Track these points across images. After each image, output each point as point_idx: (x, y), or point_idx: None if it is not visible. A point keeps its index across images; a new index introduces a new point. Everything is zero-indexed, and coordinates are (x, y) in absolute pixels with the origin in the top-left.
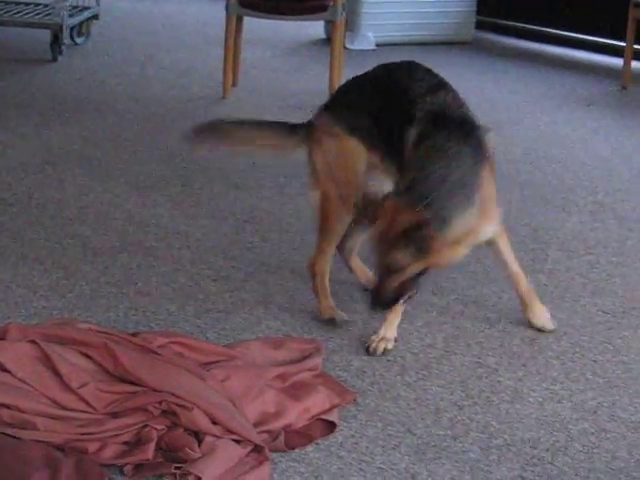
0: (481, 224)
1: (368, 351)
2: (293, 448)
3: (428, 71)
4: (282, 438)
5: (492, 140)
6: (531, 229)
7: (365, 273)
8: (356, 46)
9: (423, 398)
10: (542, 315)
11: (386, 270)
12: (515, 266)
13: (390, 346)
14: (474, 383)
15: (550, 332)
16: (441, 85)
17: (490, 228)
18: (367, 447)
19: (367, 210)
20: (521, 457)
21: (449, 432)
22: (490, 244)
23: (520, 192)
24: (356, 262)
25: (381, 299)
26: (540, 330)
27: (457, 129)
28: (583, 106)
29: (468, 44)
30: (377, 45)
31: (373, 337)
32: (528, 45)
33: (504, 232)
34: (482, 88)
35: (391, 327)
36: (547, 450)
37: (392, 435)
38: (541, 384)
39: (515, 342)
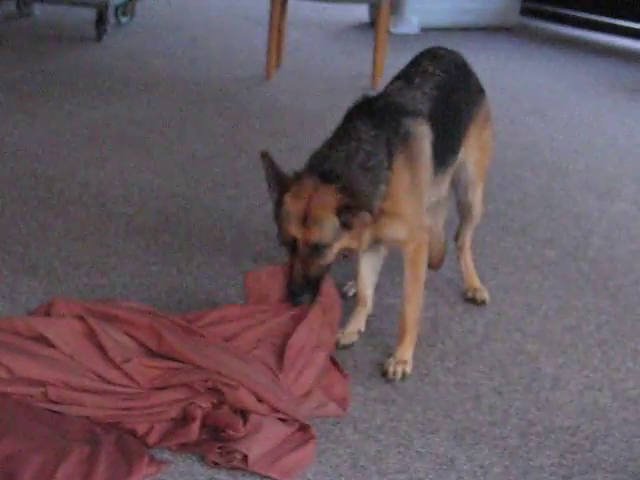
0: (386, 219)
1: (386, 376)
2: None
3: (430, 58)
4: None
5: (419, 129)
6: (573, 216)
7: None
8: (400, 30)
9: (462, 383)
10: (403, 355)
11: (315, 247)
12: (409, 293)
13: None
14: (514, 369)
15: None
16: (402, 75)
17: (399, 228)
18: (406, 431)
19: None
20: (560, 444)
21: (488, 418)
22: (400, 251)
23: (562, 179)
24: (467, 261)
25: (304, 283)
26: (385, 374)
27: (375, 115)
28: (627, 93)
29: (512, 30)
30: (421, 29)
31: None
32: (572, 32)
33: (420, 249)
34: (525, 74)
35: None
36: (586, 438)
37: (431, 419)
38: (581, 372)
39: (556, 329)
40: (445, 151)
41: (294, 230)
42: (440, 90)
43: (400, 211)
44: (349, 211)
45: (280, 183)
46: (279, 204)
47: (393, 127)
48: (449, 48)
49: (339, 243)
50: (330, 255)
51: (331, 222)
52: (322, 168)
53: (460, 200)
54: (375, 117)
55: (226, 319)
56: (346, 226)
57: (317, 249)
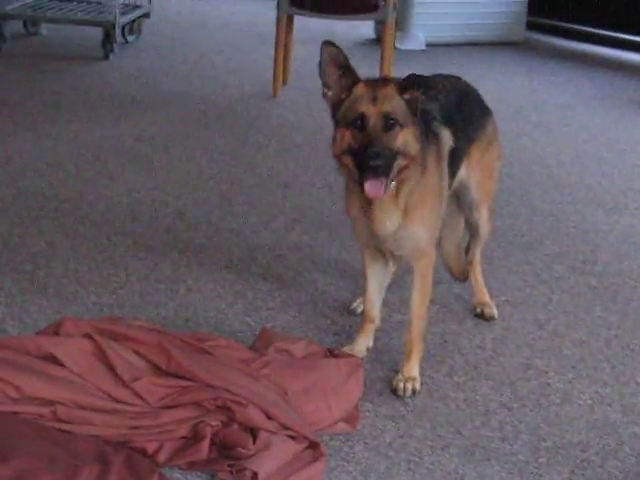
0: (409, 217)
1: (395, 393)
2: None
3: (437, 77)
4: None
5: (444, 132)
6: (581, 231)
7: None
8: (406, 46)
9: (472, 399)
10: (411, 372)
11: (386, 116)
12: (417, 308)
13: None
14: (523, 385)
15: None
16: None
17: (418, 232)
18: (416, 447)
19: None
20: (571, 460)
21: (498, 434)
22: (411, 265)
23: (569, 194)
24: (477, 275)
25: (380, 157)
26: (395, 391)
27: None
28: (634, 108)
29: (519, 44)
30: (427, 45)
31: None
32: (578, 46)
33: (430, 265)
34: (532, 89)
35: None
36: (597, 453)
37: (441, 436)
38: (591, 387)
39: (565, 344)
40: (455, 163)
41: (365, 107)
42: (447, 104)
43: (424, 209)
44: (411, 91)
45: (352, 75)
46: (347, 93)
47: (423, 127)
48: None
49: (405, 129)
50: (398, 137)
51: (398, 100)
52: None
53: (467, 219)
54: None
55: (233, 347)
56: (409, 107)
57: (388, 120)
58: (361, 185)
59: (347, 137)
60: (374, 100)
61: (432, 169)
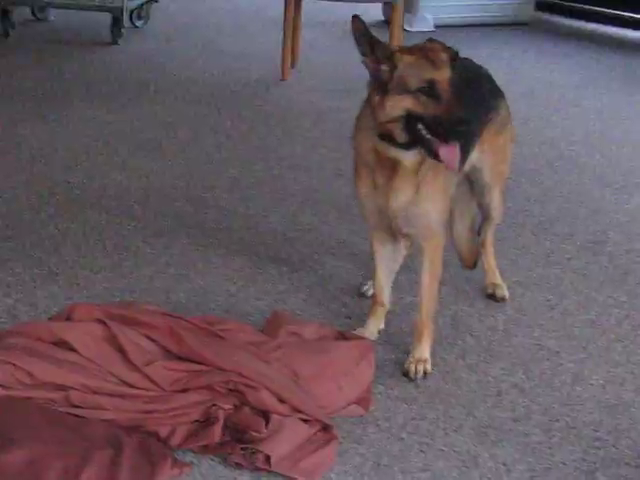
0: (423, 191)
1: (407, 375)
2: None
3: None
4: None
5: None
6: (591, 211)
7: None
8: (415, 28)
9: (484, 380)
10: (422, 354)
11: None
12: (426, 291)
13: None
14: (535, 366)
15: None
16: None
17: (430, 210)
18: (428, 429)
19: None
20: (583, 440)
21: (510, 414)
22: (420, 247)
23: (580, 173)
24: (488, 257)
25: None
26: (407, 374)
27: None
28: None
29: (527, 25)
30: (436, 27)
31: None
32: (587, 26)
33: (439, 248)
34: (541, 69)
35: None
36: (609, 433)
37: (453, 417)
38: (603, 367)
39: (576, 324)
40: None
41: (432, 73)
42: (461, 84)
43: (436, 188)
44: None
45: (383, 45)
46: (388, 63)
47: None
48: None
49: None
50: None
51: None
52: None
53: (479, 202)
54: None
55: (244, 330)
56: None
57: (454, 86)
58: (431, 153)
59: (406, 103)
60: (438, 66)
61: None
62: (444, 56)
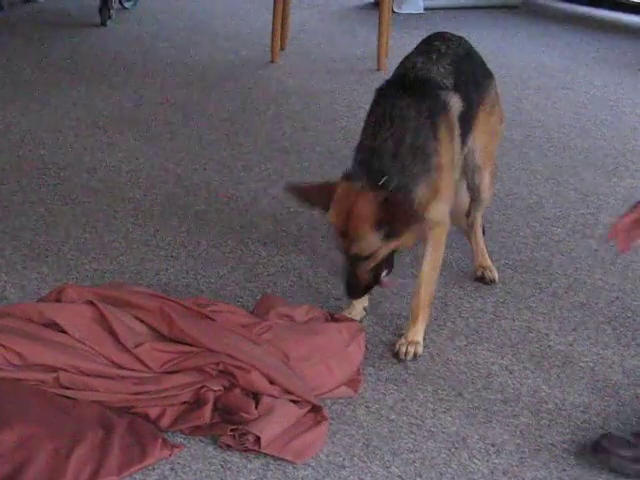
0: (433, 198)
1: (397, 357)
2: None
3: (439, 40)
4: None
5: (453, 100)
6: (581, 194)
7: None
8: (404, 10)
9: (473, 362)
10: (415, 336)
11: (357, 257)
12: (428, 275)
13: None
14: (524, 347)
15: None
16: (418, 52)
17: (438, 205)
18: (417, 410)
19: None
20: (572, 422)
21: (499, 396)
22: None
23: (570, 157)
24: (477, 239)
25: (358, 287)
26: (397, 355)
27: (411, 90)
28: (634, 70)
29: (517, 8)
30: (425, 9)
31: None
32: (577, 9)
33: (444, 233)
34: (531, 52)
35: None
36: (598, 415)
37: (442, 399)
38: (592, 349)
39: (565, 306)
40: (465, 128)
41: (338, 241)
42: (455, 67)
43: (442, 186)
44: (391, 224)
45: (324, 193)
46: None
47: (432, 98)
48: (453, 33)
49: (384, 249)
50: (374, 261)
51: (371, 236)
52: (370, 166)
53: (469, 184)
54: (412, 91)
55: (235, 312)
56: (390, 236)
57: (359, 260)
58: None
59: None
60: (345, 235)
61: (444, 142)
62: (358, 228)
